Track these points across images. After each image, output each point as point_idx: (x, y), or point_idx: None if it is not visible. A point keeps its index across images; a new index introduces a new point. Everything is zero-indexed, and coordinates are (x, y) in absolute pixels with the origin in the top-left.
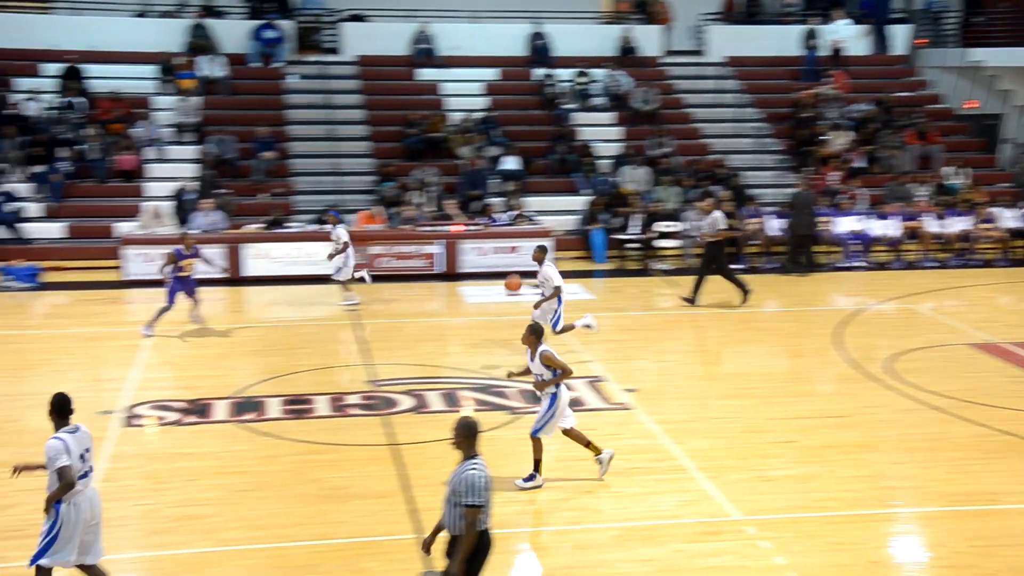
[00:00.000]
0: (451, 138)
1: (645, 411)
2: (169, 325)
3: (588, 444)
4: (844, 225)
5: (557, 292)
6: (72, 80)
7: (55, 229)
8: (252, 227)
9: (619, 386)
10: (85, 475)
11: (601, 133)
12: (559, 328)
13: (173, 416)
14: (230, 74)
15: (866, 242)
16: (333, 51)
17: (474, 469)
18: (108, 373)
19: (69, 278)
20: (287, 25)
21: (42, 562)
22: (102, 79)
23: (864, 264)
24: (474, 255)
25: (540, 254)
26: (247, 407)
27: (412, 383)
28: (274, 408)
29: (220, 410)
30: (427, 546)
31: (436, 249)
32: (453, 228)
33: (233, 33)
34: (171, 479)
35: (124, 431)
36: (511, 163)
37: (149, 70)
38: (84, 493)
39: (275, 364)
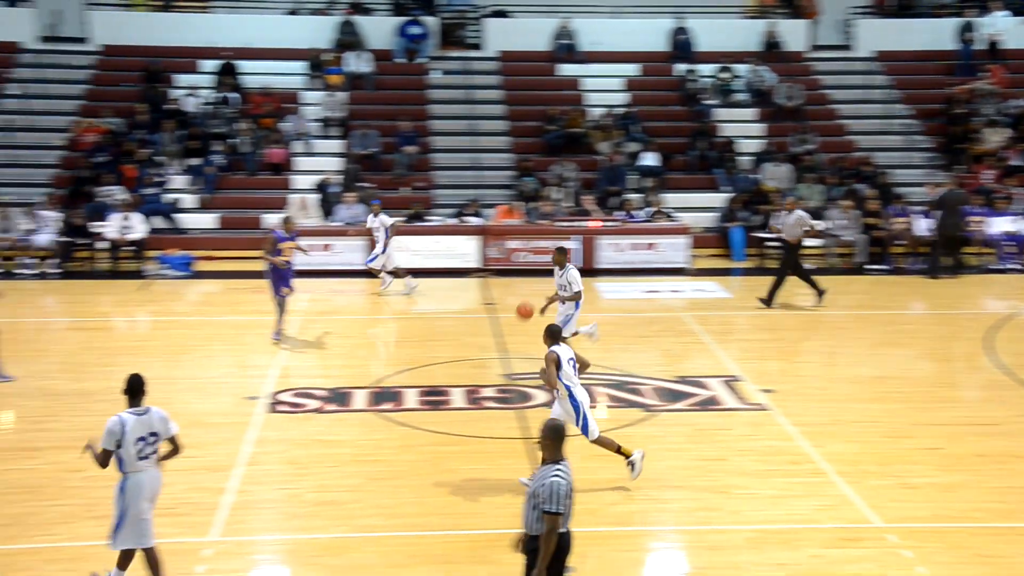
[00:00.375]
0: (591, 133)
1: (782, 412)
2: (313, 316)
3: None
4: (998, 226)
5: (577, 297)
6: (227, 76)
7: (208, 220)
8: (393, 220)
9: (756, 386)
10: (146, 457)
11: (743, 129)
12: (569, 333)
13: (314, 404)
14: (375, 70)
15: (1022, 244)
16: (476, 47)
17: (557, 476)
18: (254, 360)
19: (220, 267)
20: (431, 21)
21: (115, 546)
22: (254, 75)
23: (1019, 267)
24: (611, 251)
25: (561, 257)
26: (385, 397)
27: None
28: (411, 399)
29: (359, 399)
30: (518, 544)
31: (573, 244)
32: (591, 224)
33: (379, 30)
34: (311, 465)
35: (268, 417)
36: (650, 159)
37: (298, 66)
38: (146, 473)
39: (413, 355)
